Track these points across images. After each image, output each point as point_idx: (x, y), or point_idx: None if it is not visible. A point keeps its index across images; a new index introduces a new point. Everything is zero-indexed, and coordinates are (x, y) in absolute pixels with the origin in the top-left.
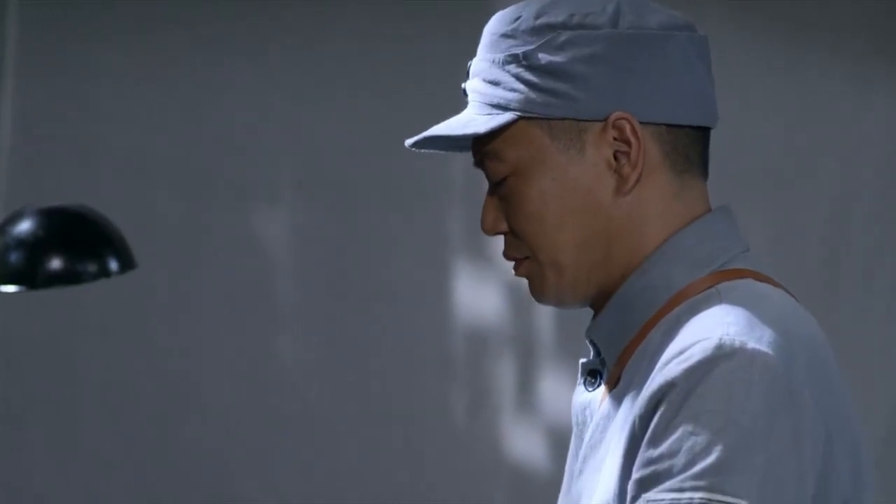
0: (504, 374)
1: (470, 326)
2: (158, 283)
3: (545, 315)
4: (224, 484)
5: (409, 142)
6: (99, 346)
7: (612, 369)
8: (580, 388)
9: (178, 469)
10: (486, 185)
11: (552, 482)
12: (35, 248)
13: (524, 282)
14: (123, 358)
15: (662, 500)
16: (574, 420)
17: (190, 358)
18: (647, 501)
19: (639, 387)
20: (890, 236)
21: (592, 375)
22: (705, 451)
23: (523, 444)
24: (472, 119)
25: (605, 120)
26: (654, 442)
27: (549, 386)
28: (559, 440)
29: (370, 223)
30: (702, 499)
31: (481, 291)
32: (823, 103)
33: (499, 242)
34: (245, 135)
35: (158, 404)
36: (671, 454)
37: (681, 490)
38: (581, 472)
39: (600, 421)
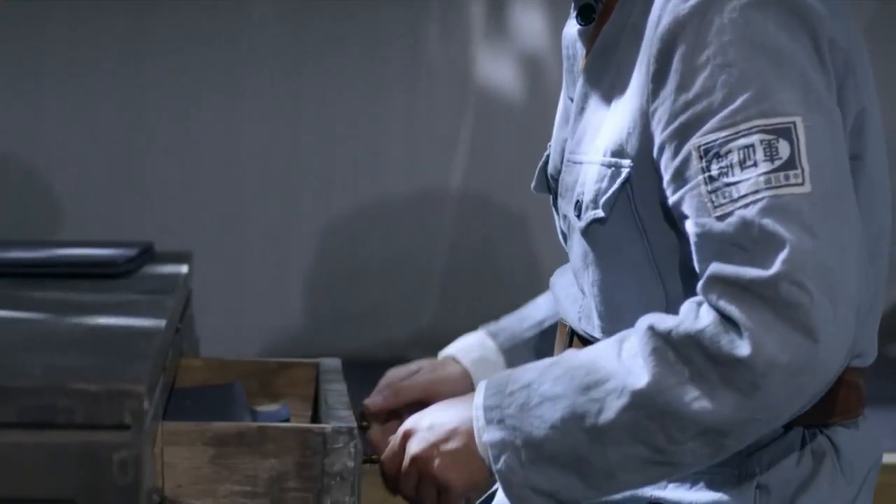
0: (474, 2)
1: None
2: None
3: None
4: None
5: None
6: None
7: (606, 2)
8: (572, 22)
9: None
10: None
11: (519, 109)
12: None
13: None
14: None
15: (716, 139)
16: (564, 54)
17: None
18: (699, 147)
19: (640, 20)
20: None
21: (586, 10)
22: (742, 80)
23: (493, 71)
24: None
25: None
26: (685, 86)
27: (519, 14)
28: (529, 67)
29: None
30: (758, 126)
31: None
32: None
33: None
34: None
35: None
36: (707, 92)
37: (733, 124)
38: (583, 109)
39: (599, 55)
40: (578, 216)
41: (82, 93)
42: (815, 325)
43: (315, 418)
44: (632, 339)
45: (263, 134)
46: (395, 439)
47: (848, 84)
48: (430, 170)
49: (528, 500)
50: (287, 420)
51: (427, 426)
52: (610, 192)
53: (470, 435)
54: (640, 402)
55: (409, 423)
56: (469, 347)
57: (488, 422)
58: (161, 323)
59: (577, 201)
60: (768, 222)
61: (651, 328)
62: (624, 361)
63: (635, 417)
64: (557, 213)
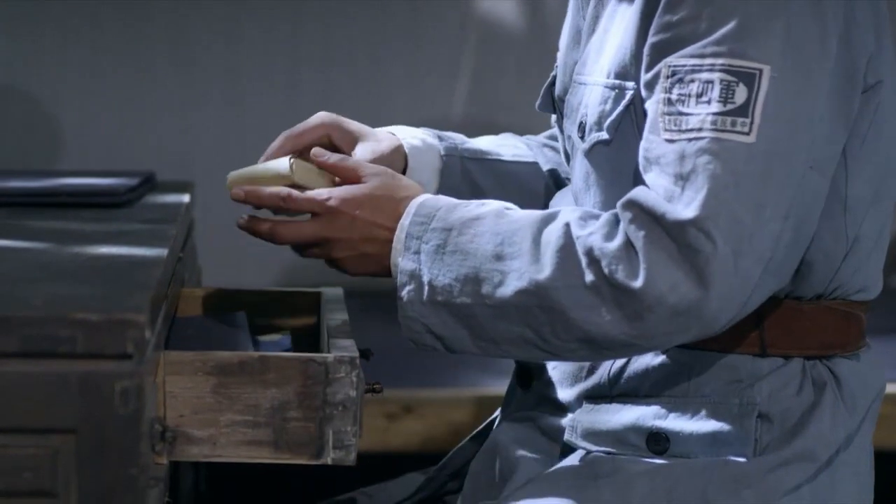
0: None
1: None
2: None
3: None
4: None
5: None
6: None
7: None
8: None
9: None
10: None
11: (522, 36)
12: None
13: None
14: None
15: (684, 65)
16: None
17: None
18: (669, 66)
19: None
20: None
21: None
22: (726, 15)
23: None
24: None
25: None
26: (674, 6)
27: None
28: None
29: None
30: (723, 65)
31: None
32: None
33: None
34: None
35: None
36: (692, 19)
37: (702, 56)
38: (593, 30)
39: None
40: (582, 137)
41: (83, 21)
42: (710, 274)
43: (317, 348)
44: (553, 225)
45: (263, 64)
46: (323, 202)
47: (854, 28)
48: (432, 101)
49: (419, 336)
50: (289, 349)
51: (350, 221)
52: (614, 114)
53: (387, 248)
54: (536, 291)
55: (341, 202)
56: (415, 136)
57: (406, 248)
58: (163, 252)
59: (581, 122)
60: (701, 162)
61: (567, 226)
62: (538, 246)
63: (528, 303)
64: (562, 134)
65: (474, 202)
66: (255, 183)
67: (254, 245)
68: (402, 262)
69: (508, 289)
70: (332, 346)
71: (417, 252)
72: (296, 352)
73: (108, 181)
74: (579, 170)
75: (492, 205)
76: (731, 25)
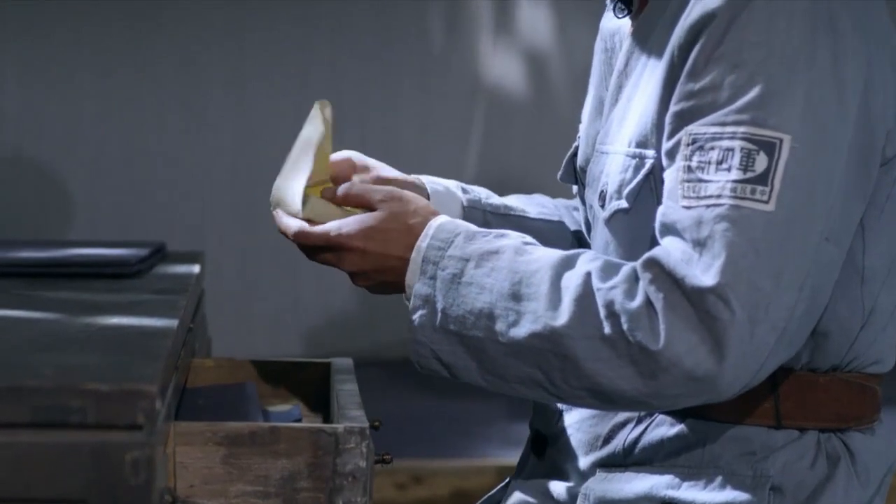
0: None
1: None
2: None
3: None
4: None
5: None
6: None
7: None
8: (609, 14)
9: None
10: None
11: (530, 103)
12: None
13: None
14: None
15: (705, 133)
16: (602, 46)
17: None
18: (690, 134)
19: (675, 13)
20: None
21: (624, 2)
22: (748, 84)
23: (501, 66)
24: None
25: None
26: (696, 75)
27: (527, 10)
28: (537, 63)
29: None
30: (745, 133)
31: None
32: None
33: None
34: None
35: None
36: (714, 87)
37: (723, 124)
38: (616, 100)
39: (633, 48)
40: (602, 206)
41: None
42: (727, 342)
43: (327, 418)
44: (573, 272)
45: (273, 133)
46: (331, 238)
47: (873, 101)
48: (443, 166)
49: (426, 361)
50: (299, 420)
51: (361, 254)
52: (634, 182)
53: (402, 272)
54: (551, 337)
55: (347, 237)
56: (438, 182)
57: (422, 272)
58: (173, 323)
59: (602, 191)
60: (719, 229)
61: (588, 276)
62: (557, 290)
63: (541, 347)
64: (584, 204)
65: (493, 232)
66: (283, 203)
67: (264, 315)
68: (418, 285)
69: (522, 330)
70: (342, 416)
71: (433, 277)
72: (306, 422)
73: (119, 252)
74: (599, 239)
75: (511, 238)
76: (752, 94)
